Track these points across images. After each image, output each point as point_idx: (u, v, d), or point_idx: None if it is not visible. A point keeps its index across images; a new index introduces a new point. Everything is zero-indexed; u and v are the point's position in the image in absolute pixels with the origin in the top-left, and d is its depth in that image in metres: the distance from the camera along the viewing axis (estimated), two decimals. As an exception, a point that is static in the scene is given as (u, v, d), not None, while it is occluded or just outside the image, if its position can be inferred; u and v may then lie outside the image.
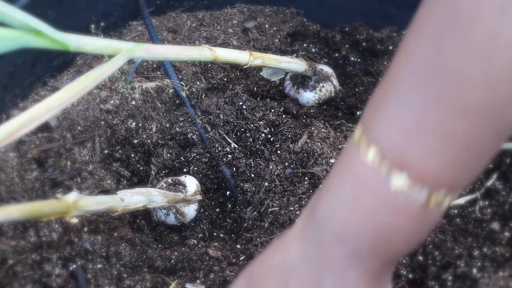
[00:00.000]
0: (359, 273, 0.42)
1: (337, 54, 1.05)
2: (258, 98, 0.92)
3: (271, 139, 0.84)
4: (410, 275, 0.65)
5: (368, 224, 0.40)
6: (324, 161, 0.77)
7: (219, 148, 0.84)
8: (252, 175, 0.81)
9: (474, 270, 0.63)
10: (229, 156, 0.83)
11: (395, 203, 0.38)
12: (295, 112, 0.92)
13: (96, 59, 0.95)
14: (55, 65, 0.92)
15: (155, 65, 0.93)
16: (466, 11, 0.32)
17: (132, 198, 0.69)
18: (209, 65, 0.95)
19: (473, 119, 0.34)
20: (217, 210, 0.84)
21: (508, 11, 0.30)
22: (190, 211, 0.81)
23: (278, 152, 0.82)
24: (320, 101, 0.95)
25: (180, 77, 0.90)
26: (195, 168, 0.85)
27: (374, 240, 0.40)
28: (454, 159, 0.36)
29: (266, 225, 0.74)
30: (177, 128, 0.86)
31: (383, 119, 0.37)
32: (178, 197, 0.78)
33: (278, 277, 0.45)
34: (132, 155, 0.86)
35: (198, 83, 0.92)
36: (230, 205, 0.84)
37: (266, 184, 0.79)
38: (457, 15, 0.32)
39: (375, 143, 0.38)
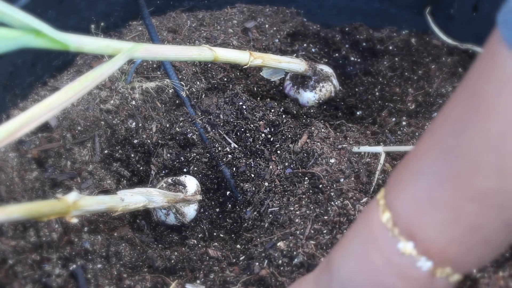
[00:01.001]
0: None
1: (337, 54, 1.05)
2: (258, 98, 0.92)
3: (271, 139, 0.84)
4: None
5: (371, 282, 0.40)
6: (324, 161, 0.77)
7: (219, 148, 0.84)
8: (252, 175, 0.81)
9: (474, 270, 0.63)
10: (229, 156, 0.83)
11: (400, 266, 0.39)
12: (295, 112, 0.92)
13: (96, 59, 0.95)
14: (55, 65, 0.92)
15: (155, 65, 0.93)
16: (487, 102, 0.33)
17: (132, 198, 0.69)
18: (209, 65, 0.95)
19: (481, 204, 0.35)
20: (217, 210, 0.84)
21: None
22: (190, 211, 0.81)
23: (278, 152, 0.82)
24: (320, 101, 0.95)
25: (180, 77, 0.90)
26: (195, 168, 0.85)
27: None
28: (460, 239, 0.36)
29: (266, 225, 0.74)
30: (177, 128, 0.86)
31: (400, 187, 0.39)
32: (178, 197, 0.78)
33: None
34: (132, 155, 0.86)
35: (198, 83, 0.92)
36: (230, 205, 0.84)
37: (266, 184, 0.79)
38: (478, 104, 0.33)
39: (390, 208, 0.39)
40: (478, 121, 0.33)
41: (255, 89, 0.98)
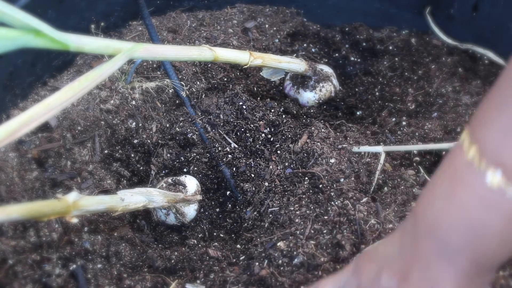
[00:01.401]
0: (445, 269, 0.42)
1: (337, 54, 1.05)
2: (258, 98, 0.92)
3: (271, 139, 0.84)
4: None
5: (459, 218, 0.40)
6: (324, 161, 0.77)
7: (219, 148, 0.84)
8: (252, 175, 0.81)
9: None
10: (229, 156, 0.83)
11: (489, 199, 0.39)
12: (295, 112, 0.92)
13: (96, 59, 0.95)
14: (55, 65, 0.92)
15: (155, 65, 0.93)
16: None
17: (132, 198, 0.69)
18: (209, 65, 0.95)
19: None
20: (217, 210, 0.84)
21: None
22: (190, 211, 0.81)
23: (278, 152, 0.82)
24: (320, 101, 0.95)
25: (180, 77, 0.90)
26: (195, 168, 0.85)
27: (464, 234, 0.41)
28: None
29: (266, 225, 0.74)
30: (177, 128, 0.86)
31: (485, 120, 0.39)
32: (178, 197, 0.78)
33: (377, 264, 0.49)
34: (132, 155, 0.86)
35: (198, 83, 0.92)
36: (230, 205, 0.84)
37: (266, 184, 0.79)
38: None
39: (476, 142, 0.39)
40: None
41: (255, 89, 0.98)
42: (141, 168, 0.87)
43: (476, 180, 0.39)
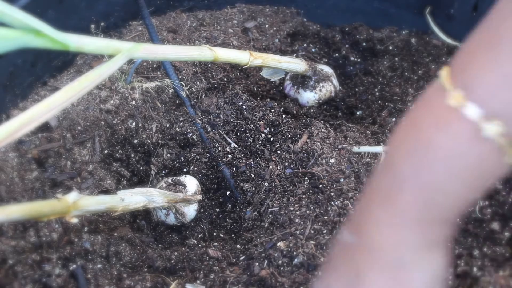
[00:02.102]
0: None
1: (337, 54, 1.05)
2: (258, 98, 0.92)
3: (271, 139, 0.84)
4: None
5: (443, 170, 0.37)
6: (324, 161, 0.77)
7: (219, 148, 0.84)
8: (252, 175, 0.81)
9: (474, 269, 0.63)
10: (229, 156, 0.83)
11: (481, 151, 0.36)
12: (295, 112, 0.92)
13: (96, 59, 0.95)
14: (55, 65, 0.92)
15: (155, 65, 0.93)
16: None
17: (132, 198, 0.69)
18: (209, 65, 0.95)
19: None
20: (217, 210, 0.84)
21: None
22: (190, 211, 0.81)
23: (278, 152, 0.82)
24: (320, 101, 0.95)
25: (180, 77, 0.90)
26: (195, 168, 0.85)
27: (447, 192, 0.37)
28: None
29: (266, 225, 0.74)
30: (177, 128, 0.86)
31: (473, 62, 0.36)
32: (178, 197, 0.78)
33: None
34: (132, 155, 0.86)
35: (198, 83, 0.92)
36: (230, 205, 0.84)
37: (266, 184, 0.79)
38: None
39: (461, 87, 0.36)
40: None
41: (255, 89, 0.98)
42: (141, 168, 0.87)
43: (466, 129, 0.35)
